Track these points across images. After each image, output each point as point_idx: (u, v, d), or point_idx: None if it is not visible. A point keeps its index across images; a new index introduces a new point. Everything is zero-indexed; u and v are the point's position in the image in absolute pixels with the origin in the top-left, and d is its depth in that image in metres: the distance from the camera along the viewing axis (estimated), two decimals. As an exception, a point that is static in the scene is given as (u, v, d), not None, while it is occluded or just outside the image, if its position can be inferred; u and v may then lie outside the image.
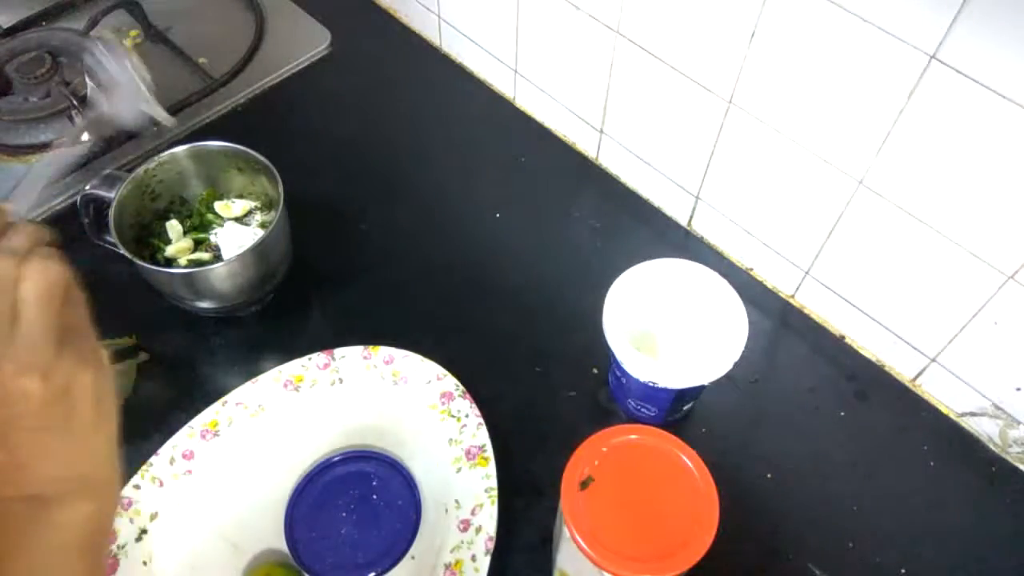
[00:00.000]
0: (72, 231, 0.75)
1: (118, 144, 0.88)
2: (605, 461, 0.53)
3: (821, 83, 0.62)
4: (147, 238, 0.75)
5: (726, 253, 0.82)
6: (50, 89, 0.89)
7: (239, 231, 0.76)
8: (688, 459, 0.53)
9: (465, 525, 0.64)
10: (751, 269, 0.81)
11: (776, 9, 0.61)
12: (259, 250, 0.70)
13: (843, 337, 0.77)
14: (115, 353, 0.72)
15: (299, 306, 0.79)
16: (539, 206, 0.86)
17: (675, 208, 0.84)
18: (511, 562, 0.64)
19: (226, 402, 0.69)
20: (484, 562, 0.61)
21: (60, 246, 0.39)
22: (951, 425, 0.72)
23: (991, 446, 0.70)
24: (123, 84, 0.56)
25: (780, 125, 0.67)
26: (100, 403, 0.40)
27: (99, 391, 0.40)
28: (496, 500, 0.64)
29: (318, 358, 0.71)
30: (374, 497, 0.65)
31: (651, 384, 0.62)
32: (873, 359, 0.75)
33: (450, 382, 0.70)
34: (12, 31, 0.97)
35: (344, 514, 0.64)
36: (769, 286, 0.80)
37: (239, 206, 0.78)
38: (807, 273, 0.75)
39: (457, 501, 0.65)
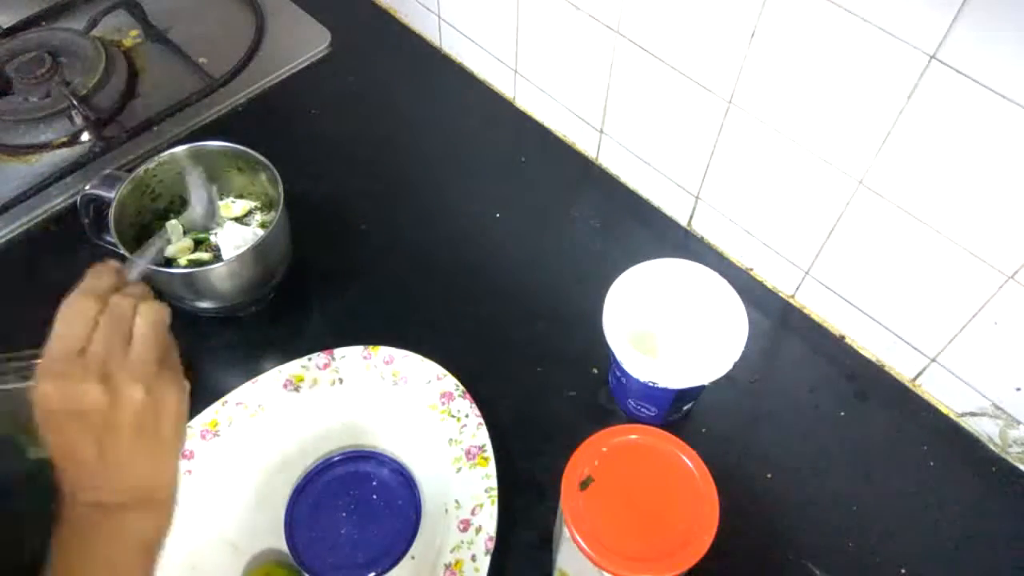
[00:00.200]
0: (72, 231, 0.75)
1: (118, 144, 0.88)
2: (605, 461, 0.53)
3: (821, 83, 0.62)
4: (147, 238, 0.75)
5: (726, 253, 0.82)
6: (50, 89, 0.89)
7: (239, 231, 0.76)
8: (688, 459, 0.53)
9: (465, 525, 0.64)
10: (751, 269, 0.81)
11: (776, 9, 0.61)
12: (259, 250, 0.70)
13: (843, 337, 0.77)
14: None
15: (299, 306, 0.79)
16: (539, 206, 0.86)
17: (675, 208, 0.84)
18: (511, 562, 0.64)
19: (226, 402, 0.69)
20: (484, 562, 0.61)
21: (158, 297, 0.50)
22: (951, 425, 0.72)
23: (991, 446, 0.70)
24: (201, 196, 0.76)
25: (780, 125, 0.67)
26: (179, 422, 0.49)
27: (181, 411, 0.49)
28: (496, 500, 0.64)
29: (318, 358, 0.71)
30: (374, 497, 0.65)
31: (651, 384, 0.62)
32: (873, 359, 0.75)
33: (450, 382, 0.70)
34: (12, 31, 0.97)
35: (344, 514, 0.64)
36: (769, 286, 0.80)
37: (239, 206, 0.78)
38: (807, 273, 0.75)
39: (457, 501, 0.65)
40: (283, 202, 0.72)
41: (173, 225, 0.76)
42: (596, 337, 0.63)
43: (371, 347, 0.71)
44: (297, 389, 0.70)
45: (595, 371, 0.74)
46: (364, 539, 0.63)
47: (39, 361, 0.45)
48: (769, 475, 0.69)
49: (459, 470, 0.66)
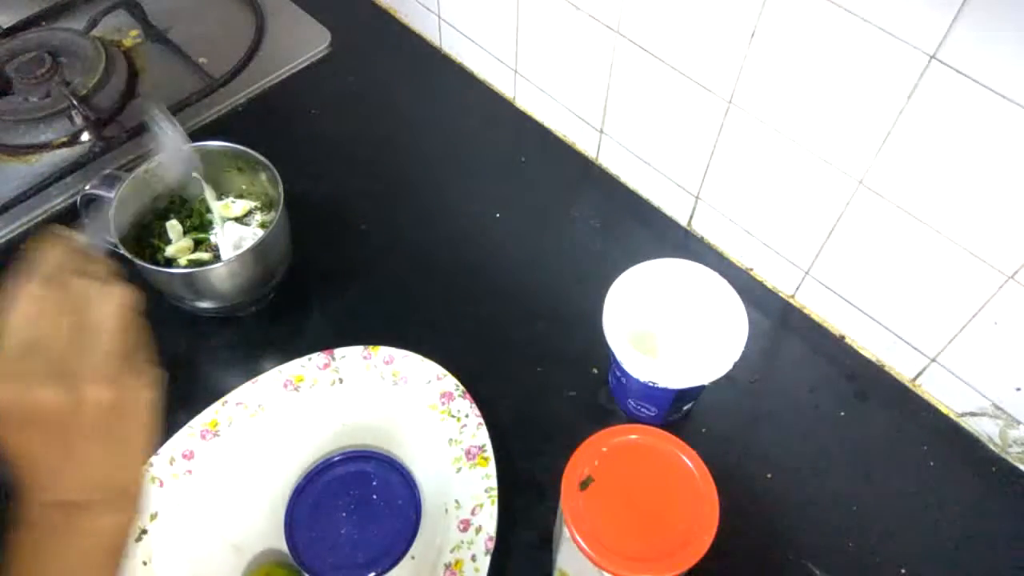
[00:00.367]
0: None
1: (118, 144, 0.88)
2: (605, 461, 0.53)
3: (821, 83, 0.62)
4: (147, 238, 0.75)
5: (726, 253, 0.82)
6: (50, 89, 0.89)
7: (239, 231, 0.76)
8: (688, 459, 0.53)
9: (465, 525, 0.64)
10: (751, 269, 0.81)
11: (776, 9, 0.61)
12: (259, 250, 0.70)
13: (843, 337, 0.77)
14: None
15: (299, 306, 0.79)
16: (539, 206, 0.86)
17: (675, 208, 0.84)
18: (511, 562, 0.64)
19: (226, 402, 0.69)
20: (484, 562, 0.61)
21: (125, 276, 0.45)
22: (951, 425, 0.72)
23: (991, 446, 0.70)
24: (175, 148, 0.69)
25: (780, 125, 0.67)
26: (147, 418, 0.45)
27: (148, 407, 0.45)
28: (496, 500, 0.64)
29: (318, 358, 0.71)
30: (374, 497, 0.65)
31: (651, 384, 0.62)
32: (873, 359, 0.75)
33: (450, 382, 0.70)
34: (12, 31, 0.97)
35: (344, 514, 0.64)
36: (769, 286, 0.80)
37: (239, 206, 0.78)
38: (807, 273, 0.75)
39: (457, 501, 0.65)
40: (283, 202, 0.72)
41: (173, 225, 0.76)
42: (596, 337, 0.63)
43: (371, 347, 0.71)
44: (297, 389, 0.70)
45: (595, 371, 0.74)
46: (364, 539, 0.63)
47: None
48: (769, 475, 0.69)
49: (459, 470, 0.66)
